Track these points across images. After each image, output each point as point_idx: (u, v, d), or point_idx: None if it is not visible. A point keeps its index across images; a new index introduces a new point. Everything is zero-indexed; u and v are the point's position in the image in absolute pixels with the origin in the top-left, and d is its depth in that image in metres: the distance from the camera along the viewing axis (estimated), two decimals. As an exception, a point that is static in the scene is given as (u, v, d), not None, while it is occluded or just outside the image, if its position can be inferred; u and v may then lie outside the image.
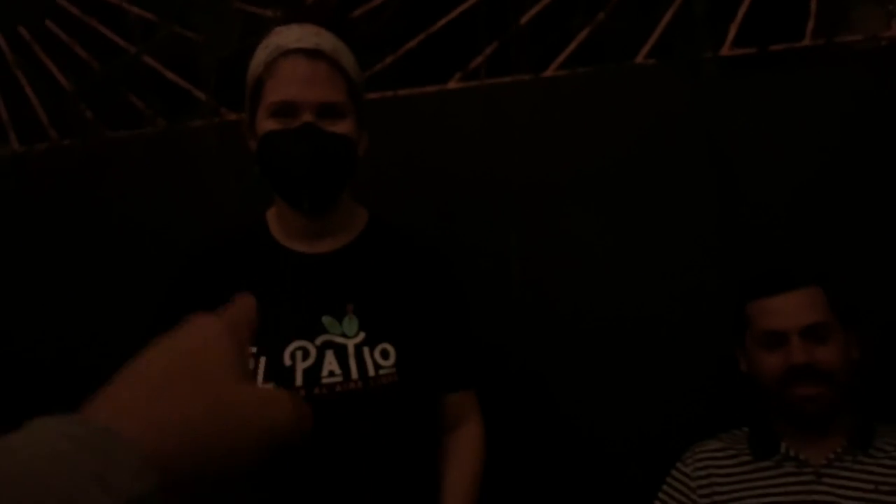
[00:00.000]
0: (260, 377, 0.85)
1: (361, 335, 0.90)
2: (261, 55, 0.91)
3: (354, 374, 0.87)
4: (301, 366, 0.86)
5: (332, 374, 0.86)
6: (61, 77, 1.50)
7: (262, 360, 0.86)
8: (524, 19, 1.32)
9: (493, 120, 1.31)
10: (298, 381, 0.85)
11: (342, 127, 0.90)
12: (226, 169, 1.35)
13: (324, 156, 0.88)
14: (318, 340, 0.88)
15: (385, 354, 0.90)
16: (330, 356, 0.87)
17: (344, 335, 0.89)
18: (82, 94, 1.48)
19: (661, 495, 1.13)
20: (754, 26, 1.27)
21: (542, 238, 1.28)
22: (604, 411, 1.26)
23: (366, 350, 0.89)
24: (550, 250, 1.28)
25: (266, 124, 0.89)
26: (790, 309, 1.03)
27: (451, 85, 1.34)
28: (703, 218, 1.25)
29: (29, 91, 1.52)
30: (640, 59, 1.29)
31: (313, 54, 0.88)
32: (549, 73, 1.31)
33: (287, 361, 0.86)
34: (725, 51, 1.27)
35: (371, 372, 0.87)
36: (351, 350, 0.88)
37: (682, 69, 1.27)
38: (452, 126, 1.33)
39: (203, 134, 1.40)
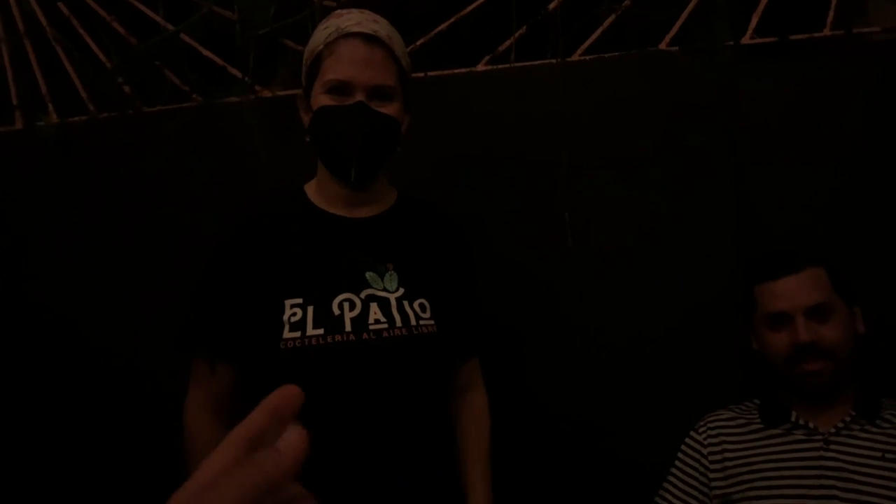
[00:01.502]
0: (309, 324, 0.91)
1: (401, 290, 0.97)
2: (321, 34, 0.97)
3: (399, 322, 0.94)
4: (349, 315, 0.92)
5: (378, 321, 0.93)
6: (100, 53, 1.55)
7: (310, 308, 0.92)
8: (552, 5, 1.36)
9: (520, 102, 1.36)
10: (347, 327, 0.91)
11: (390, 109, 0.97)
12: (261, 144, 1.40)
13: (372, 133, 0.95)
14: (363, 294, 0.95)
15: (423, 308, 0.97)
16: (374, 307, 0.94)
17: (385, 290, 0.96)
18: (120, 69, 1.53)
19: (676, 462, 1.19)
20: (775, 16, 1.32)
21: (581, 214, 1.32)
22: (637, 385, 1.32)
23: (406, 303, 0.96)
24: (591, 226, 1.32)
25: (321, 99, 0.96)
26: (794, 291, 1.09)
27: (480, 67, 1.39)
28: (719, 201, 1.30)
29: (68, 66, 1.57)
30: (663, 45, 1.34)
31: (371, 39, 0.95)
32: (575, 57, 1.36)
33: (336, 311, 0.92)
34: (747, 39, 1.31)
35: (413, 321, 0.95)
36: (393, 303, 0.95)
37: (704, 56, 1.31)
38: (480, 107, 1.38)
39: (238, 110, 1.45)
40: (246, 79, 1.46)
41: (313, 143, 1.00)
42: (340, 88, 0.95)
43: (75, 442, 1.41)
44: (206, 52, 1.50)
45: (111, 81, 1.53)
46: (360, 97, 0.95)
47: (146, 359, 1.44)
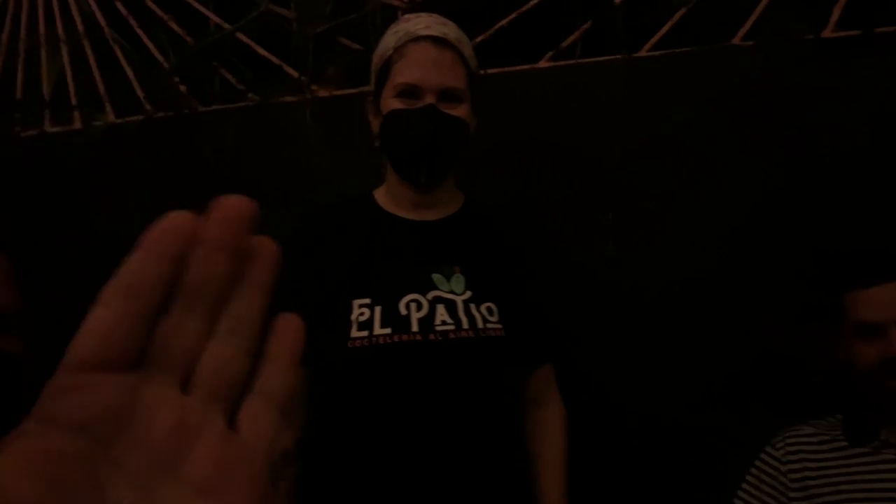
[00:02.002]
0: (377, 324, 0.91)
1: (468, 293, 0.96)
2: (390, 39, 0.97)
3: (465, 324, 0.93)
4: (416, 315, 0.92)
5: (444, 322, 0.92)
6: (157, 52, 1.55)
7: (378, 308, 0.92)
8: (618, -1, 1.31)
9: (584, 100, 1.31)
10: (414, 327, 0.91)
11: (460, 111, 0.97)
12: (319, 144, 1.39)
13: (442, 135, 0.95)
14: (430, 295, 0.94)
15: (490, 311, 0.96)
16: (441, 309, 0.93)
17: (452, 292, 0.95)
18: (177, 68, 1.53)
19: (749, 479, 1.13)
20: (859, 7, 1.24)
21: (634, 218, 1.28)
22: (688, 387, 1.26)
23: (472, 306, 0.95)
24: (642, 230, 1.28)
25: (391, 103, 0.96)
26: (888, 300, 1.02)
27: (542, 64, 1.35)
28: (796, 208, 1.23)
29: (125, 66, 1.58)
30: (736, 40, 1.27)
31: (440, 42, 0.95)
32: (642, 53, 1.30)
33: (403, 311, 0.92)
34: (828, 33, 1.24)
35: (480, 324, 0.94)
36: (460, 305, 0.94)
37: (781, 52, 1.24)
38: (542, 105, 1.33)
39: (294, 109, 1.43)
40: (302, 78, 1.44)
41: (383, 146, 1.00)
42: (410, 92, 0.95)
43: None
44: (261, 51, 1.49)
45: (168, 81, 1.53)
46: (429, 100, 0.95)
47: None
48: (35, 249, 1.60)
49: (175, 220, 0.22)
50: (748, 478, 1.13)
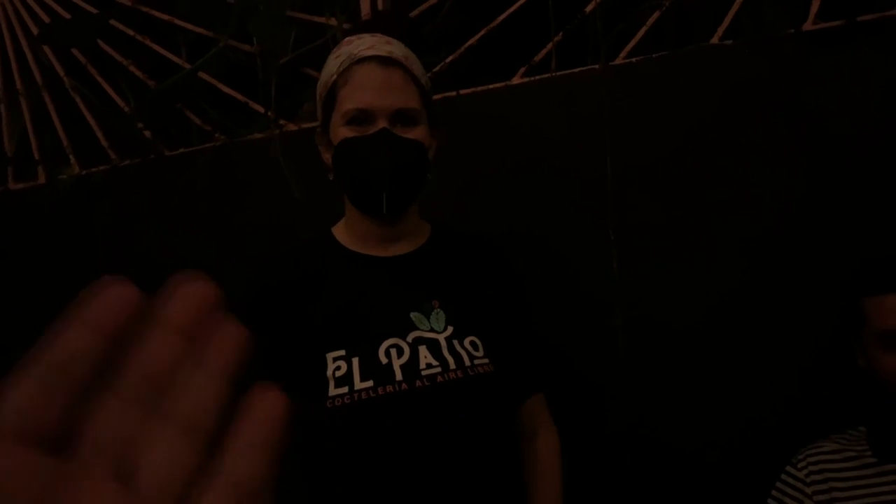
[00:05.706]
0: (356, 377, 0.84)
1: (450, 329, 0.89)
2: (333, 64, 0.91)
3: (452, 364, 0.86)
4: (397, 362, 0.85)
5: (430, 366, 0.85)
6: (118, 98, 1.50)
7: (355, 360, 0.85)
8: (589, 7, 1.26)
9: (562, 114, 1.25)
10: (398, 376, 0.84)
11: (416, 133, 0.90)
12: (292, 180, 1.32)
13: (400, 161, 0.88)
14: (410, 337, 0.87)
15: (475, 346, 0.89)
16: (424, 350, 0.86)
17: (433, 330, 0.89)
18: (139, 113, 1.47)
19: (770, 502, 1.05)
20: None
21: (635, 233, 1.21)
22: (700, 411, 1.19)
23: (456, 343, 0.88)
24: (645, 245, 1.21)
25: (341, 132, 0.89)
26: None
27: (516, 80, 1.29)
28: (791, 201, 1.17)
29: (87, 115, 1.52)
30: (715, 40, 1.22)
31: (387, 62, 0.88)
32: (619, 61, 1.25)
33: (383, 359, 0.85)
34: (808, 25, 1.19)
35: (467, 362, 0.87)
36: (443, 343, 0.88)
37: (762, 48, 1.19)
38: (520, 122, 1.28)
39: (263, 147, 1.38)
40: (269, 113, 1.39)
41: (338, 179, 0.92)
42: (361, 117, 0.87)
43: None
44: (226, 89, 1.44)
45: (131, 127, 1.47)
46: (382, 124, 0.87)
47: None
48: (4, 313, 1.53)
49: (118, 293, 0.20)
50: (770, 501, 1.05)
